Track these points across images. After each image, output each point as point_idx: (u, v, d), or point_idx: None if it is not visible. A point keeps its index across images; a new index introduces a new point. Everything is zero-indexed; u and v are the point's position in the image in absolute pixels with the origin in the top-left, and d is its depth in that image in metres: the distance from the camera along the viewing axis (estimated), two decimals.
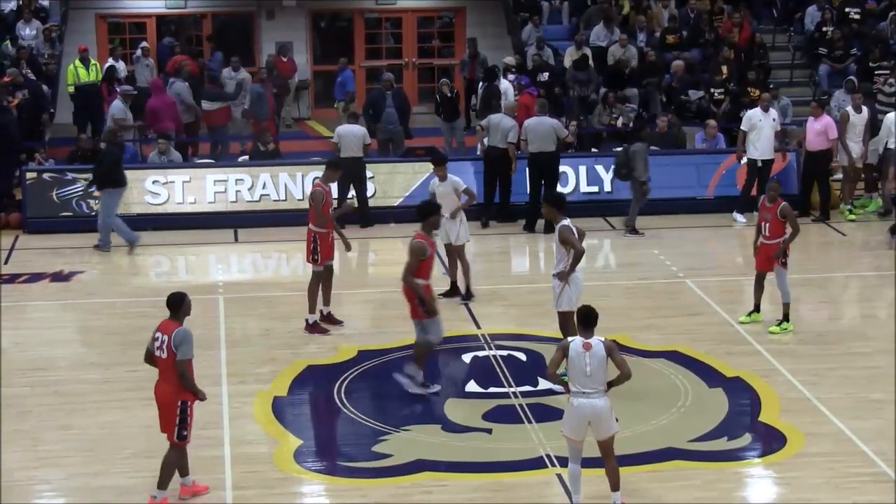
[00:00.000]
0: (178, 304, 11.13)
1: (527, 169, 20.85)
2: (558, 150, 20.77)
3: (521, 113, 22.94)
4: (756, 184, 20.67)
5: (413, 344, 13.93)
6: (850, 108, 20.36)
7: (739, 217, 21.03)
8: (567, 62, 25.61)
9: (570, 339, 10.79)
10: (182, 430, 11.00)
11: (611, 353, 10.67)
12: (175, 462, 11.10)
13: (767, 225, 15.43)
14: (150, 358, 11.22)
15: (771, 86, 24.90)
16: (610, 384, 10.70)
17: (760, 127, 20.74)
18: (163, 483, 11.05)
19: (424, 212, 14.12)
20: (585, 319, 10.79)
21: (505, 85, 23.64)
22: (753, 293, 15.75)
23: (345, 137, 20.80)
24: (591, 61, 25.32)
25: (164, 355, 10.96)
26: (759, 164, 20.76)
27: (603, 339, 10.81)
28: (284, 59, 26.14)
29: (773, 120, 20.83)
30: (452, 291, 16.86)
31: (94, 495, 11.33)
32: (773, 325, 15.51)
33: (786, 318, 15.51)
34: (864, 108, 20.72)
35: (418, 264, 13.55)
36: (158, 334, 11.05)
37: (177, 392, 10.94)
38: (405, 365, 13.82)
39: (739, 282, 17.11)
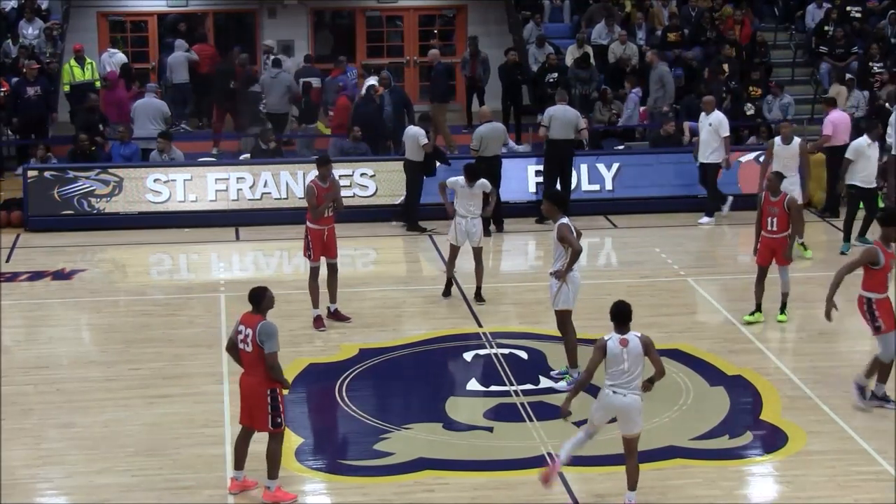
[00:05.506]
0: (259, 297, 11.13)
1: (544, 158, 20.96)
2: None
3: (343, 115, 22.92)
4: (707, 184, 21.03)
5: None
6: (777, 139, 19.03)
7: (706, 219, 21.01)
8: (569, 60, 25.61)
9: (606, 336, 10.74)
10: (276, 418, 10.99)
11: (648, 351, 10.66)
12: (279, 449, 11.06)
13: (775, 220, 15.43)
14: (233, 349, 11.20)
15: (773, 82, 25.01)
16: (651, 381, 10.71)
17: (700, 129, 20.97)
18: (273, 472, 11.05)
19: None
20: (618, 317, 10.74)
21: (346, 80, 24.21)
22: (755, 292, 15.73)
23: None
24: (592, 59, 25.32)
25: (250, 349, 10.96)
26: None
27: (640, 334, 10.73)
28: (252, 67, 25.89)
29: (710, 125, 20.76)
30: (448, 290, 16.85)
31: (96, 493, 11.32)
32: (779, 315, 15.64)
33: (784, 306, 15.68)
34: (796, 139, 19.05)
35: (874, 273, 12.86)
36: (241, 327, 11.04)
37: (263, 382, 10.94)
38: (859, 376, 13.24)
39: (741, 280, 17.09)
